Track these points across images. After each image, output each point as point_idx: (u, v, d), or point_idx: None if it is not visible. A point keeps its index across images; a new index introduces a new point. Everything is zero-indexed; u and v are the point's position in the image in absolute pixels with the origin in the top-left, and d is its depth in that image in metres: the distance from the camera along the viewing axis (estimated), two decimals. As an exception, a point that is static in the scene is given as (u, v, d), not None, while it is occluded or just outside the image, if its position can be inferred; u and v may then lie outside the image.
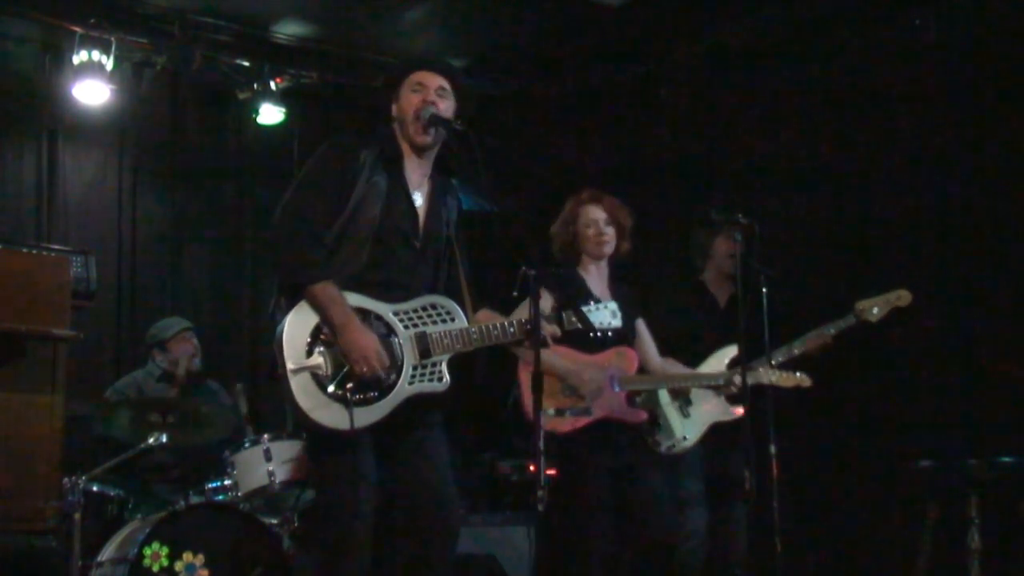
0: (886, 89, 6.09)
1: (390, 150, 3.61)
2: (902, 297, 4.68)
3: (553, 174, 7.87)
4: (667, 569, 4.32)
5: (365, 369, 3.35)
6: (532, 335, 3.32)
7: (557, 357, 4.35)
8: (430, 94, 3.61)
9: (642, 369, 4.49)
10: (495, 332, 3.53)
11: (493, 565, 5.45)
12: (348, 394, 3.36)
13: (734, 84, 6.79)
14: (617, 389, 4.37)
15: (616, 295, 4.47)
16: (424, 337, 3.48)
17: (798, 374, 4.55)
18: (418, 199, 3.62)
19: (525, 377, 4.43)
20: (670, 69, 7.09)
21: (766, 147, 6.61)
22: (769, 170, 6.56)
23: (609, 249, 4.49)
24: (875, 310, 4.66)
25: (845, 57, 6.26)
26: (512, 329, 3.53)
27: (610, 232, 4.47)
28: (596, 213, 4.50)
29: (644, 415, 4.38)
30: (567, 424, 4.34)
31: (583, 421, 4.34)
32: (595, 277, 4.52)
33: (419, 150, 3.63)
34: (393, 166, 3.58)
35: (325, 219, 3.46)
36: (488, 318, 3.61)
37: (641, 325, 4.57)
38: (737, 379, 4.32)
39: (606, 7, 6.61)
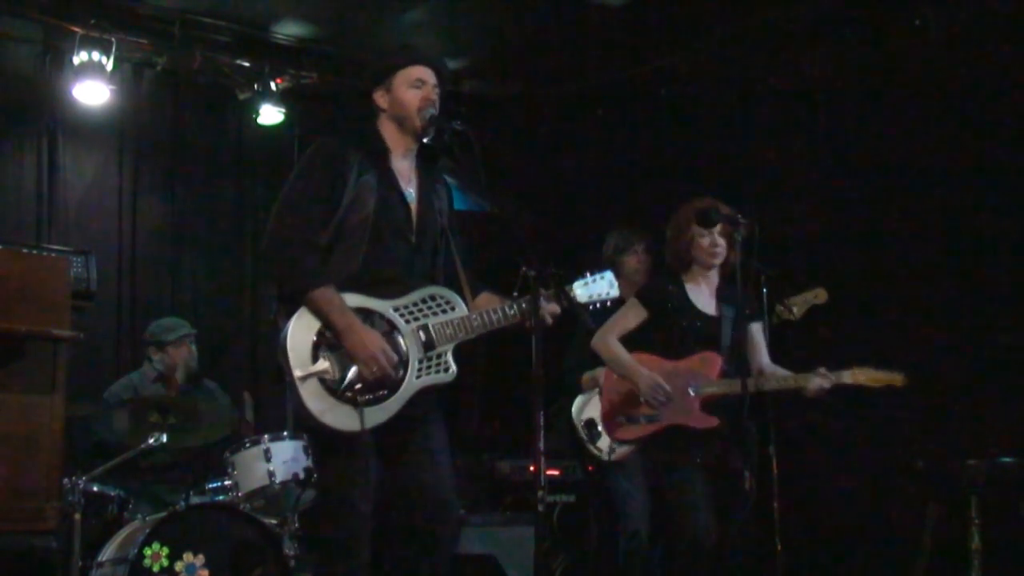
0: (886, 89, 6.09)
1: (376, 147, 3.59)
2: (819, 295, 4.80)
3: (553, 174, 7.88)
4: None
5: (375, 369, 3.35)
6: (532, 331, 3.32)
7: (635, 363, 4.43)
8: (431, 93, 3.60)
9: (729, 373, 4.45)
10: (496, 317, 3.52)
11: (493, 565, 5.45)
12: (358, 396, 3.36)
13: (734, 84, 6.79)
14: (692, 394, 4.36)
15: (728, 301, 4.49)
16: (427, 329, 3.48)
17: (893, 372, 4.41)
18: (410, 193, 3.60)
19: (607, 385, 4.58)
20: (670, 69, 7.09)
21: (766, 147, 6.61)
22: (769, 170, 6.57)
23: (719, 260, 4.49)
24: (794, 309, 4.72)
25: (845, 57, 6.26)
26: (513, 311, 3.51)
27: (722, 244, 4.46)
28: None
29: (715, 421, 4.33)
30: (633, 432, 4.45)
31: (650, 429, 4.39)
32: (702, 286, 4.53)
33: (411, 141, 3.61)
34: (381, 162, 3.57)
35: (318, 224, 3.45)
36: (488, 301, 3.59)
37: (755, 329, 4.54)
38: (815, 381, 4.28)
39: (607, 8, 6.61)
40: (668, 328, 4.48)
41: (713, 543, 4.23)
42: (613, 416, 4.52)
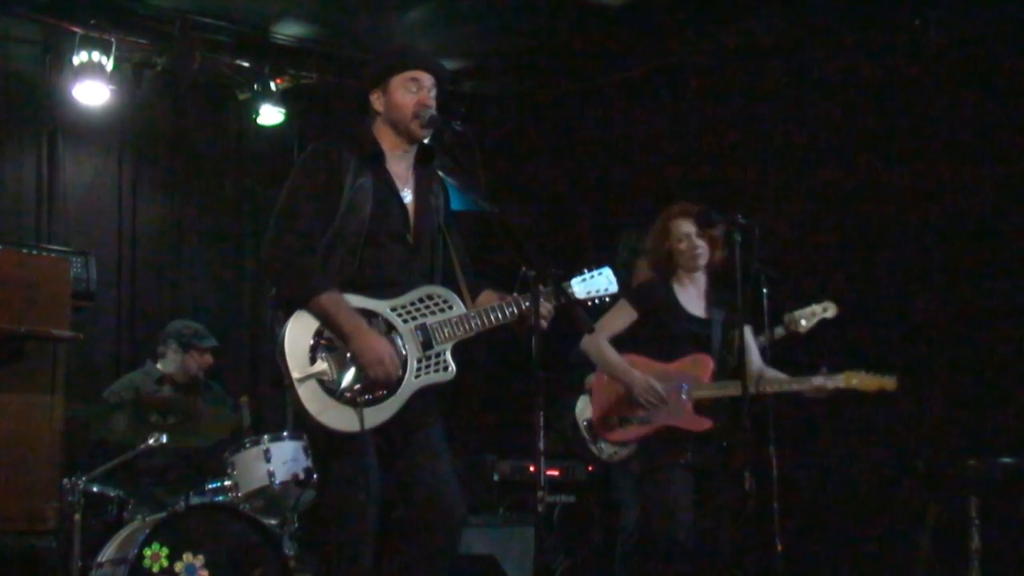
0: (886, 89, 6.09)
1: (371, 149, 3.57)
2: (828, 308, 4.79)
3: (553, 175, 7.88)
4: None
5: (380, 373, 3.35)
6: (532, 332, 3.31)
7: (626, 366, 4.44)
8: (427, 96, 3.58)
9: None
10: (494, 315, 3.51)
11: (493, 565, 5.45)
12: (357, 396, 3.36)
13: (734, 85, 6.79)
14: (684, 397, 4.38)
15: (717, 304, 4.51)
16: (424, 329, 3.47)
17: (885, 376, 4.42)
18: (407, 195, 3.59)
19: (598, 387, 4.60)
20: (671, 69, 7.09)
21: (766, 147, 6.61)
22: (769, 170, 6.56)
23: (703, 262, 4.50)
24: (803, 321, 4.75)
25: (845, 57, 6.26)
26: (511, 309, 3.51)
27: (702, 245, 4.48)
28: (687, 227, 4.49)
29: (708, 423, 4.35)
30: (626, 433, 4.50)
31: (643, 430, 4.43)
32: (690, 289, 4.53)
33: (406, 144, 3.61)
34: (377, 165, 3.55)
35: (317, 229, 3.44)
36: (490, 300, 3.58)
37: (746, 332, 4.49)
38: (829, 382, 4.29)
39: (606, 7, 6.61)
40: (658, 329, 4.48)
41: (691, 546, 4.23)
42: (606, 418, 4.55)
